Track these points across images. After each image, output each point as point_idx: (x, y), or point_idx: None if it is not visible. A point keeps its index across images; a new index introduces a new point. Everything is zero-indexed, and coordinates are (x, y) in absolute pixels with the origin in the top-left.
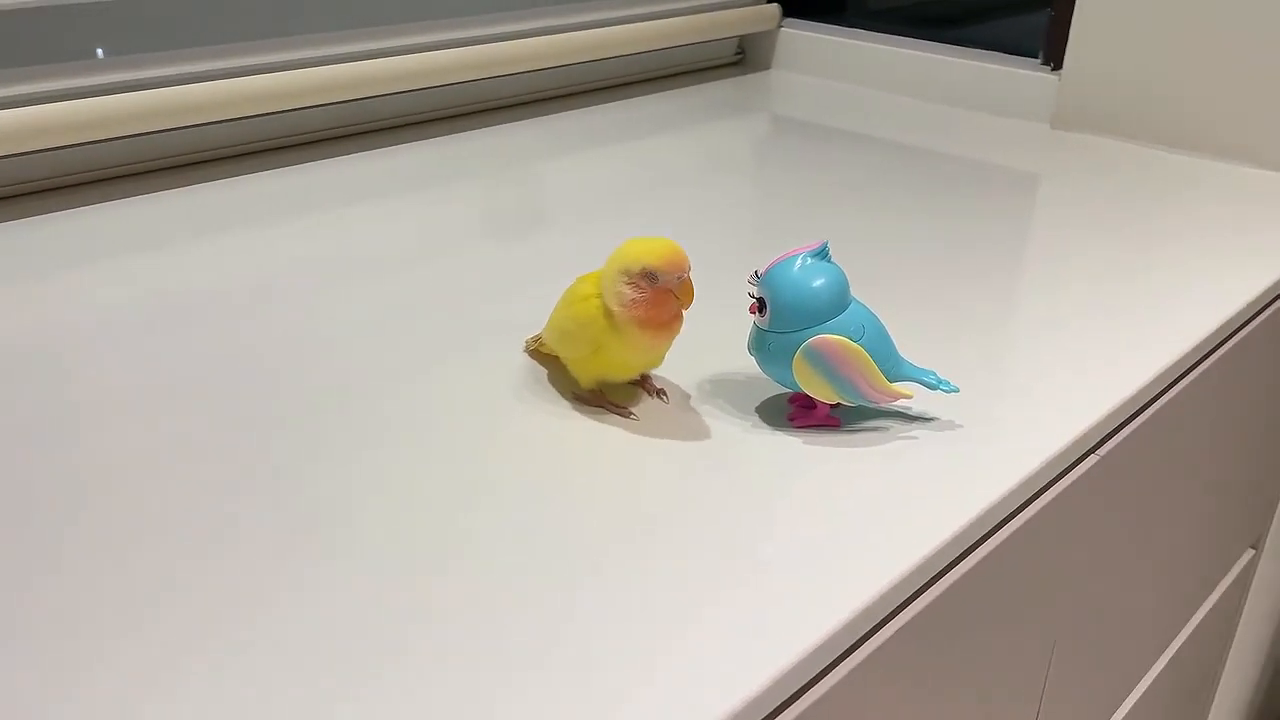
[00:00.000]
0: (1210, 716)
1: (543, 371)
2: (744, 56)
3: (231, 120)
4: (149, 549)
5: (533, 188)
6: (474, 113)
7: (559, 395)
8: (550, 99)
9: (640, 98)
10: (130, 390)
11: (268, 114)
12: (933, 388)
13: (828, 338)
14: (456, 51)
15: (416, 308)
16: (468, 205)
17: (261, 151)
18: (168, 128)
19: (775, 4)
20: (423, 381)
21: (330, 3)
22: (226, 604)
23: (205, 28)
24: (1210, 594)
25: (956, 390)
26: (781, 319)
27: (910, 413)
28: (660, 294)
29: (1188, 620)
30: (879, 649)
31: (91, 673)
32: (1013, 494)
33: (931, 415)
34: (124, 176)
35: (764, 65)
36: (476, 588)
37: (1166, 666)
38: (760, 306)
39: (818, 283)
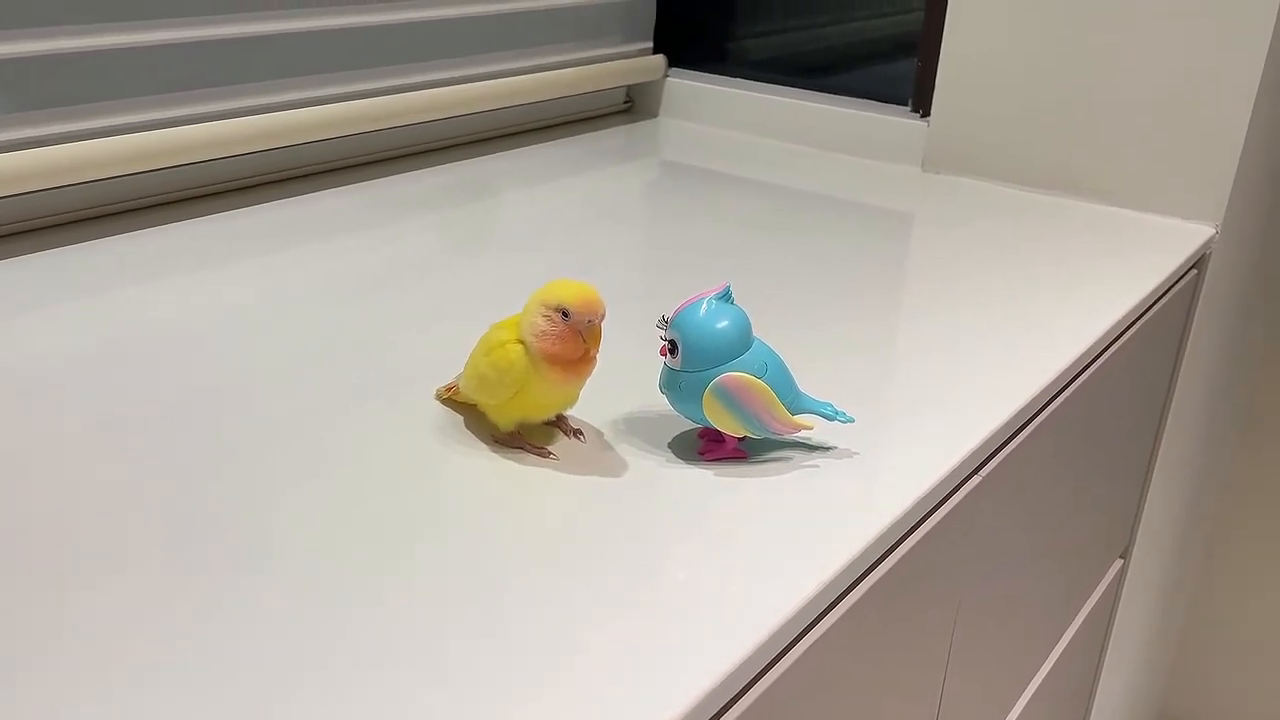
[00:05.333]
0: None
1: (458, 418)
2: (632, 105)
3: (146, 172)
4: (77, 584)
5: (432, 236)
6: (372, 162)
7: (477, 439)
8: (447, 148)
9: (534, 145)
10: (58, 432)
11: (197, 162)
12: (830, 418)
13: (734, 375)
14: (357, 104)
15: (326, 355)
16: (369, 255)
17: (182, 200)
18: (46, 187)
19: (661, 55)
20: (341, 430)
21: (239, 57)
22: (152, 624)
23: (87, 87)
24: (1085, 601)
25: (852, 421)
26: (691, 359)
27: (811, 443)
28: (570, 331)
29: (1066, 627)
30: (795, 662)
31: (16, 684)
32: (907, 515)
33: (830, 444)
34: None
35: (652, 113)
36: (403, 614)
37: (1048, 674)
38: (672, 349)
39: (723, 324)
